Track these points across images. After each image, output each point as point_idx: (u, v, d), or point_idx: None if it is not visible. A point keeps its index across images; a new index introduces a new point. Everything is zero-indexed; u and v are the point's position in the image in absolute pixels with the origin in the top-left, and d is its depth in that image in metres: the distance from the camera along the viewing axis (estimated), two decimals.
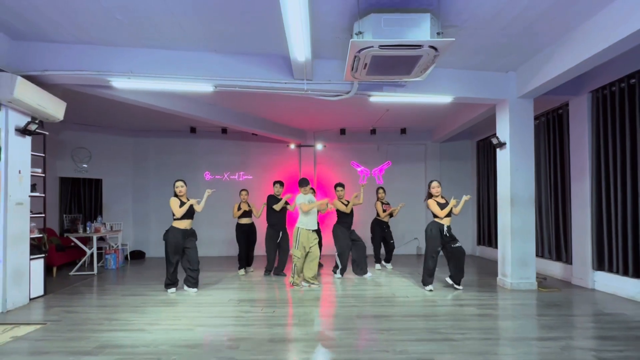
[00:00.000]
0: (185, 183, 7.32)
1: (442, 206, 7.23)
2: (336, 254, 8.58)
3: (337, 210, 8.58)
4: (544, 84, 6.73)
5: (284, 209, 8.91)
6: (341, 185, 8.77)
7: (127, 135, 12.42)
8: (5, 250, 6.13)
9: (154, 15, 5.63)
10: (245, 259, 9.34)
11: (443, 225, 7.20)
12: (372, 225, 9.95)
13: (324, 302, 6.60)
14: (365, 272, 8.63)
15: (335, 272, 8.66)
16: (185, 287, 7.31)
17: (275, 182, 9.06)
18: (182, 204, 7.11)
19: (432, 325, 5.25)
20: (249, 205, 9.31)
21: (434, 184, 7.34)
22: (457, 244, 7.24)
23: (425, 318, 5.58)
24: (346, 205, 8.47)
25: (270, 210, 8.81)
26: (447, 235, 7.19)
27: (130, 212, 12.54)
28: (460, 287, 7.39)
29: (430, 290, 7.25)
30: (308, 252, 7.67)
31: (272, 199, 8.84)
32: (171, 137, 12.61)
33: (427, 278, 7.34)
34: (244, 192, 9.36)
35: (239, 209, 9.17)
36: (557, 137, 8.56)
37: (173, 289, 7.27)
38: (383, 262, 10.12)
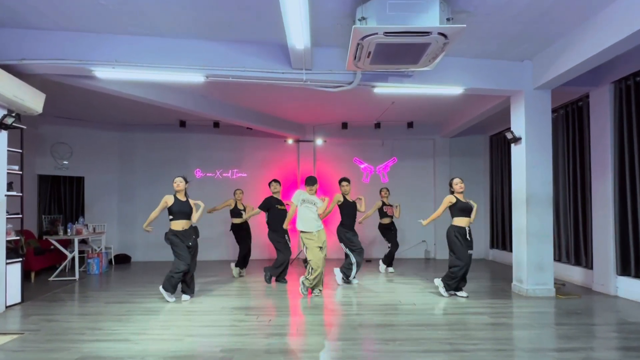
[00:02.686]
0: (185, 179, 7.26)
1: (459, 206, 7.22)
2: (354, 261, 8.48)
3: (339, 207, 8.62)
4: (562, 74, 6.71)
5: (283, 210, 8.77)
6: (347, 180, 8.74)
7: (111, 129, 12.39)
8: None
9: None
10: (243, 258, 9.54)
11: (463, 228, 7.21)
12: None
13: (325, 310, 6.60)
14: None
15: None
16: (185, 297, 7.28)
17: (271, 182, 9.01)
18: (174, 202, 7.10)
19: (441, 335, 5.25)
20: (243, 206, 9.44)
21: (457, 180, 7.29)
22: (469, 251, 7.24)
23: (434, 327, 5.58)
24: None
25: (273, 213, 8.78)
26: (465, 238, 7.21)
27: (115, 213, 12.52)
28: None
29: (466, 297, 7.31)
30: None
31: (272, 200, 8.84)
32: (159, 132, 12.59)
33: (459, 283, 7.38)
34: (238, 192, 9.50)
35: (235, 206, 9.46)
36: (577, 131, 8.55)
37: (187, 297, 7.21)
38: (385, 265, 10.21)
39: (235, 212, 9.47)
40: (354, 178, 12.46)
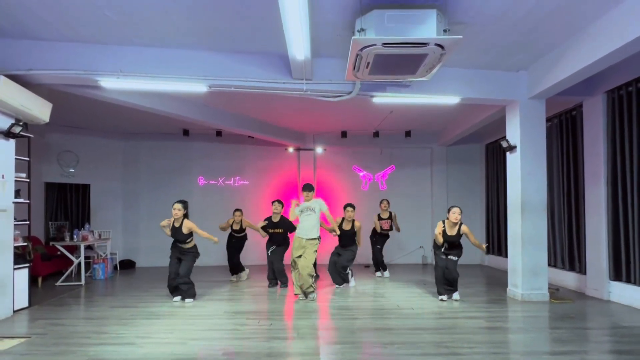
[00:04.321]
0: (184, 206, 7.33)
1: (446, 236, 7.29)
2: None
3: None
4: (556, 83, 6.74)
5: (278, 234, 8.96)
6: (351, 205, 8.79)
7: (116, 138, 12.41)
8: None
9: (145, 11, 5.65)
10: (231, 266, 9.71)
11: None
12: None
13: (324, 314, 6.61)
14: (344, 282, 8.87)
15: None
16: (176, 298, 7.51)
17: (273, 201, 9.01)
18: (171, 229, 7.37)
19: (439, 338, 5.25)
20: (241, 225, 9.54)
21: (455, 209, 7.24)
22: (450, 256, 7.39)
23: (431, 331, 5.58)
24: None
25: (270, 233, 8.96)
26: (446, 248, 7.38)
27: (120, 219, 12.52)
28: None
29: (442, 300, 7.38)
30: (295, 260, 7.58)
31: (269, 225, 8.92)
32: (163, 140, 12.60)
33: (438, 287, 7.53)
34: (237, 213, 9.54)
35: (231, 226, 9.55)
36: (571, 139, 8.57)
37: (177, 298, 7.49)
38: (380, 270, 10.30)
39: (234, 231, 9.58)
40: (353, 186, 12.53)
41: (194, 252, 7.52)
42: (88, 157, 11.91)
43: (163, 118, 9.48)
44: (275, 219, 8.91)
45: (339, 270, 8.70)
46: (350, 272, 8.90)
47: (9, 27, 6.18)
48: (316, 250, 7.55)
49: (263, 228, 8.92)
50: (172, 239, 7.44)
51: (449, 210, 7.28)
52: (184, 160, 12.74)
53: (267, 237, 9.05)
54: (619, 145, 7.22)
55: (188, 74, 6.89)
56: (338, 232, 8.42)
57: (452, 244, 7.32)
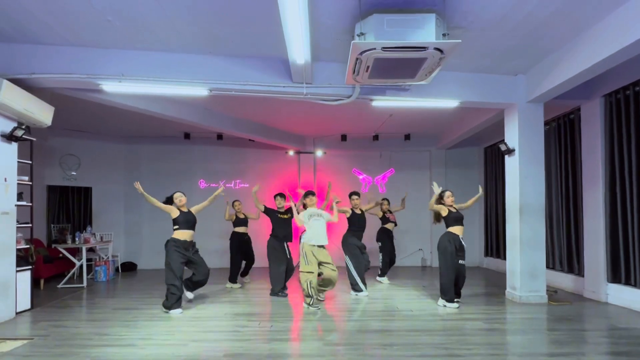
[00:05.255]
0: (182, 193, 7.17)
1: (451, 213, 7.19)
2: (352, 268, 8.22)
3: (348, 219, 8.51)
4: (554, 87, 6.76)
5: (286, 219, 8.49)
6: (356, 193, 8.64)
7: (118, 141, 12.45)
8: None
9: (147, 16, 5.67)
10: (237, 273, 9.33)
11: (458, 236, 7.11)
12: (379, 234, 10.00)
13: (325, 316, 6.60)
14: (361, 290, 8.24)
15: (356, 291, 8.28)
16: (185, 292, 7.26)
17: (276, 195, 8.60)
18: (180, 213, 6.97)
19: (437, 340, 5.25)
20: (244, 215, 9.43)
21: (448, 193, 7.26)
22: (461, 261, 7.11)
23: (429, 333, 5.58)
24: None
25: (275, 221, 8.40)
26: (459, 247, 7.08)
27: (122, 222, 12.54)
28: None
29: (457, 307, 7.09)
30: (320, 272, 7.14)
31: (274, 212, 8.46)
32: (164, 144, 12.65)
33: (448, 294, 7.11)
34: (237, 203, 9.47)
35: (236, 217, 9.41)
36: (569, 143, 8.59)
37: (179, 310, 6.76)
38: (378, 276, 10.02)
39: (238, 222, 9.44)
40: (352, 188, 12.46)
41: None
42: (90, 160, 11.94)
43: (164, 121, 9.49)
44: (281, 210, 8.50)
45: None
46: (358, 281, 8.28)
47: (12, 32, 6.19)
48: None
49: (269, 214, 8.43)
50: (168, 239, 6.96)
51: (441, 197, 7.25)
52: (185, 163, 12.79)
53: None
54: (617, 149, 7.23)
55: (189, 78, 6.90)
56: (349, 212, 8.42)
57: (461, 219, 7.17)
